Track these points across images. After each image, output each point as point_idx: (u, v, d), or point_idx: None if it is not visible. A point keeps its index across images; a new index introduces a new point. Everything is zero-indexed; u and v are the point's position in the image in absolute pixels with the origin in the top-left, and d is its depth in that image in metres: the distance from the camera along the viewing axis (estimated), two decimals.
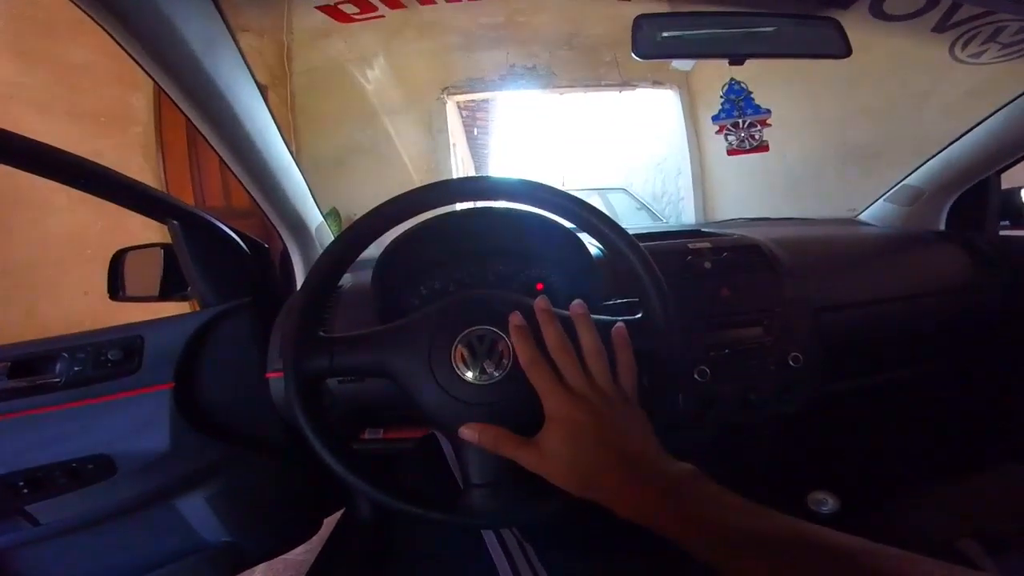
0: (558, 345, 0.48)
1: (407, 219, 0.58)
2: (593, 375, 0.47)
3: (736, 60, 0.90)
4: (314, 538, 1.06)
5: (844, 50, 0.87)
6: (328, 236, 1.03)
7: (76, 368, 0.76)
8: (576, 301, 0.51)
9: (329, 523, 1.18)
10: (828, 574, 0.33)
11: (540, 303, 0.50)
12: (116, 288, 0.88)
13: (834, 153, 2.64)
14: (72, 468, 0.75)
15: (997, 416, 1.10)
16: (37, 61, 2.39)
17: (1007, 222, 1.15)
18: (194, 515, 0.86)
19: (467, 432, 0.47)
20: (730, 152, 0.96)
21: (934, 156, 1.13)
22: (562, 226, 0.74)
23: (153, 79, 0.67)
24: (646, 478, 0.41)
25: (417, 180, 3.82)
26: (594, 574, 0.65)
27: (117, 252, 0.90)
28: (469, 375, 0.51)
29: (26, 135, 0.62)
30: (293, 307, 0.55)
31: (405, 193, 0.56)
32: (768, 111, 0.94)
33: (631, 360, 0.49)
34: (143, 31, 0.61)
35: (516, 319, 0.49)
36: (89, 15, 0.59)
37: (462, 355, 0.51)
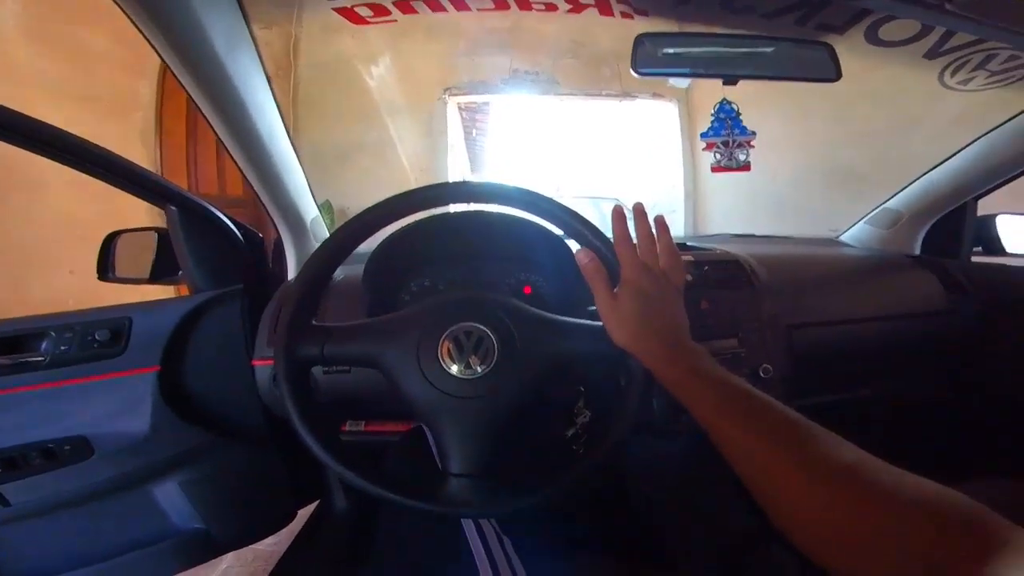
0: (646, 234, 0.56)
1: (399, 219, 0.60)
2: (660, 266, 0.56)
3: (730, 80, 0.93)
4: (285, 529, 1.06)
5: (835, 74, 0.91)
6: (322, 229, 1.04)
7: (62, 347, 0.76)
8: (658, 215, 0.59)
9: (303, 514, 1.18)
10: (793, 441, 0.40)
11: (638, 205, 0.58)
12: (106, 269, 0.89)
13: (821, 175, 2.69)
14: (48, 449, 0.75)
15: (963, 435, 1.13)
16: (52, 46, 2.40)
17: (980, 249, 1.19)
18: (167, 501, 0.86)
19: (583, 256, 0.55)
20: (714, 169, 0.99)
21: (914, 181, 1.16)
22: (554, 233, 0.76)
23: (166, 63, 0.68)
24: (679, 346, 0.51)
25: (413, 178, 3.83)
26: (571, 569, 0.67)
27: (110, 234, 0.91)
28: (454, 369, 0.53)
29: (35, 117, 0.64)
30: (288, 295, 0.57)
31: (399, 195, 0.58)
32: (754, 133, 0.97)
33: (677, 255, 0.57)
34: (164, 15, 0.63)
35: (617, 207, 0.57)
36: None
37: (449, 350, 0.53)
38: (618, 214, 0.56)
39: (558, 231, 0.72)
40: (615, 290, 0.54)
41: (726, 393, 0.47)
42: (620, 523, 1.05)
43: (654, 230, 0.57)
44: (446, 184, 0.59)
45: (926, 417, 1.18)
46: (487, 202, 0.61)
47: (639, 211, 0.58)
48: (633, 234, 0.57)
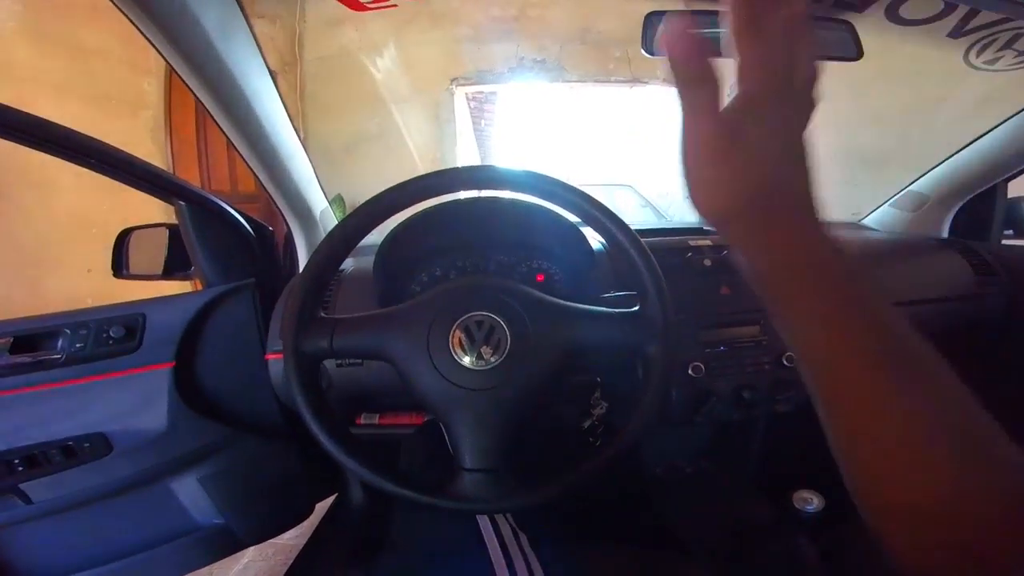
0: (776, 24, 0.29)
1: (412, 205, 0.59)
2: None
3: None
4: (305, 523, 1.07)
5: (856, 53, 0.87)
6: (332, 221, 1.03)
7: (78, 345, 0.77)
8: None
9: (320, 508, 1.19)
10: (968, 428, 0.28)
11: None
12: (120, 265, 0.89)
13: (842, 156, 2.62)
14: (68, 446, 0.76)
15: (997, 421, 1.10)
16: (55, 45, 2.41)
17: (1011, 231, 1.15)
18: (187, 496, 0.87)
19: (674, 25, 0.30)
20: None
21: (942, 163, 1.12)
22: (565, 219, 0.74)
23: (167, 61, 0.68)
24: (818, 222, 0.31)
25: (423, 169, 3.76)
26: (587, 564, 0.66)
27: (123, 231, 0.91)
28: (466, 360, 0.51)
29: (40, 116, 0.63)
30: (295, 288, 0.56)
31: (411, 179, 0.56)
32: None
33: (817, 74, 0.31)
34: (160, 13, 0.62)
35: None
36: None
37: (460, 340, 0.52)
38: None
39: (570, 217, 0.70)
40: (726, 112, 0.29)
41: (883, 327, 0.29)
42: (636, 515, 1.04)
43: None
44: (454, 170, 0.57)
45: None
46: (495, 188, 0.59)
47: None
48: None
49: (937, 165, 1.13)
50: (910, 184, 1.19)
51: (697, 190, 0.31)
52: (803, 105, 0.30)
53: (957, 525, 0.27)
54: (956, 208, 1.15)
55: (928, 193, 1.15)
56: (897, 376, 0.28)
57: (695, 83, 0.30)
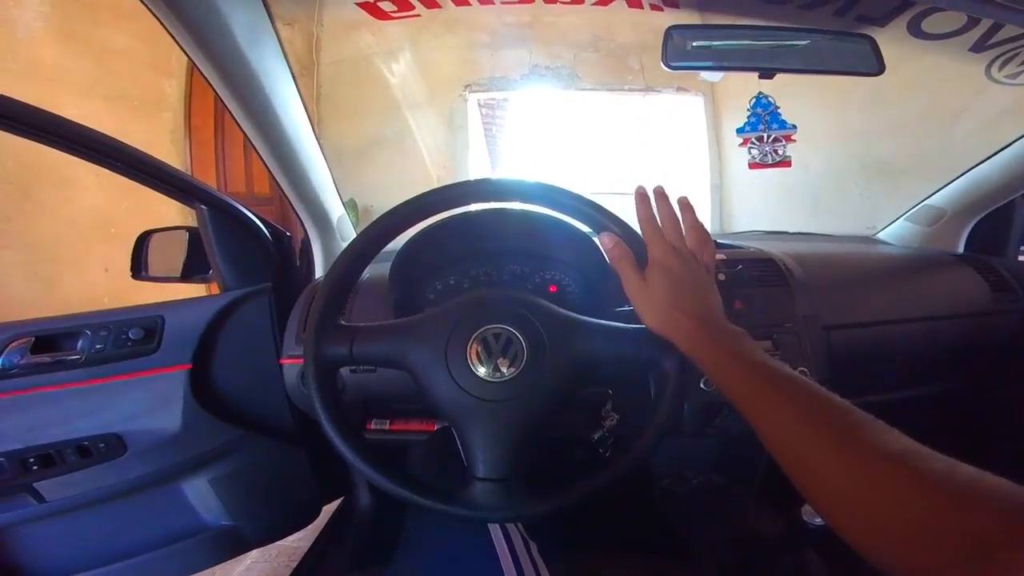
0: (669, 214, 0.56)
1: (429, 216, 0.60)
2: (688, 247, 0.55)
3: (766, 74, 0.90)
4: (310, 526, 1.07)
5: (877, 68, 0.87)
6: (348, 227, 1.05)
7: (98, 346, 0.78)
8: (681, 196, 0.58)
9: (326, 511, 1.19)
10: (840, 426, 0.39)
11: (659, 188, 0.57)
12: (139, 267, 0.91)
13: (858, 169, 2.60)
14: (83, 446, 0.77)
15: (1003, 440, 1.08)
16: (80, 45, 2.47)
17: None
18: (197, 497, 0.88)
19: (607, 239, 0.55)
20: (751, 166, 0.96)
21: (959, 177, 1.11)
22: (579, 230, 0.74)
23: (194, 63, 0.70)
24: (714, 326, 0.50)
25: (435, 175, 3.84)
26: (595, 573, 0.66)
27: (142, 233, 0.92)
28: (482, 371, 0.52)
29: (63, 116, 0.65)
30: (316, 295, 0.57)
31: (426, 192, 0.57)
32: (794, 127, 0.94)
33: (704, 233, 0.56)
34: (189, 16, 0.63)
35: (640, 188, 0.56)
36: None
37: (477, 352, 0.53)
38: (640, 196, 0.55)
39: (583, 228, 0.70)
40: (643, 272, 0.53)
41: (767, 375, 0.45)
42: (645, 526, 1.04)
43: (678, 212, 0.56)
44: (475, 181, 0.58)
45: (971, 422, 1.13)
46: (508, 199, 0.59)
47: (660, 193, 0.56)
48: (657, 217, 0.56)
49: (955, 179, 1.12)
50: (927, 198, 1.17)
51: (637, 312, 0.53)
52: (692, 262, 0.53)
53: (875, 517, 0.34)
54: (973, 223, 1.14)
55: (945, 207, 1.14)
56: (788, 410, 0.42)
57: (619, 261, 0.54)
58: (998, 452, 1.08)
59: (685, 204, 0.57)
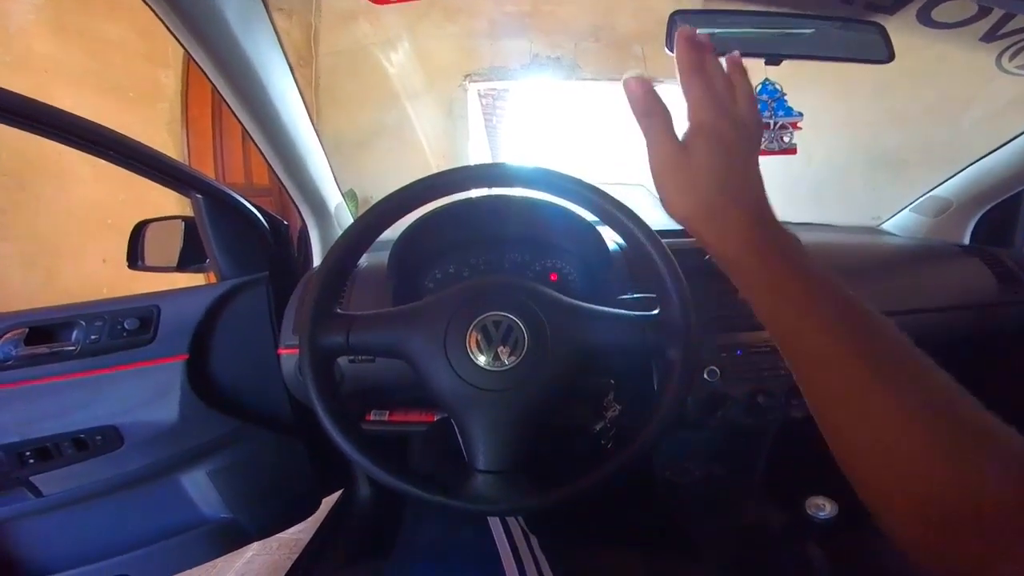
0: (715, 67, 0.40)
1: (427, 203, 0.58)
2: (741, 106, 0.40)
3: (772, 60, 0.88)
4: (310, 518, 1.07)
5: (887, 55, 0.85)
6: (347, 216, 1.03)
7: (93, 336, 0.77)
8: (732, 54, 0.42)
9: (326, 503, 1.19)
10: (911, 375, 0.31)
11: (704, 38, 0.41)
12: (136, 257, 0.90)
13: (863, 159, 2.57)
14: (80, 439, 0.76)
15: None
16: (74, 37, 2.44)
17: None
18: (196, 490, 0.87)
19: (634, 84, 0.39)
20: None
21: (966, 168, 1.10)
22: (582, 218, 0.73)
23: (189, 54, 0.69)
24: (769, 222, 0.37)
25: (435, 164, 3.82)
26: (598, 568, 0.65)
27: (138, 223, 0.91)
28: (482, 360, 0.51)
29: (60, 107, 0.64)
30: (311, 283, 0.55)
31: (431, 176, 0.56)
32: (800, 114, 0.92)
33: (757, 106, 0.42)
34: (184, 5, 0.62)
35: (685, 31, 0.40)
36: None
37: (476, 340, 0.51)
38: (686, 38, 0.39)
39: (585, 216, 0.69)
40: (681, 140, 0.39)
41: (830, 296, 0.34)
42: (647, 518, 1.03)
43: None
44: (473, 167, 0.56)
45: None
46: (512, 185, 0.58)
47: (707, 45, 0.40)
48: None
49: (961, 170, 1.10)
50: (932, 189, 1.16)
51: (664, 198, 0.40)
52: (745, 131, 0.39)
53: (921, 479, 0.28)
54: (979, 214, 1.13)
55: (951, 198, 1.13)
56: (851, 345, 0.32)
57: (649, 116, 0.39)
58: None
59: (737, 64, 0.41)
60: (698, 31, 0.89)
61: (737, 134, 0.38)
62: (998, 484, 0.27)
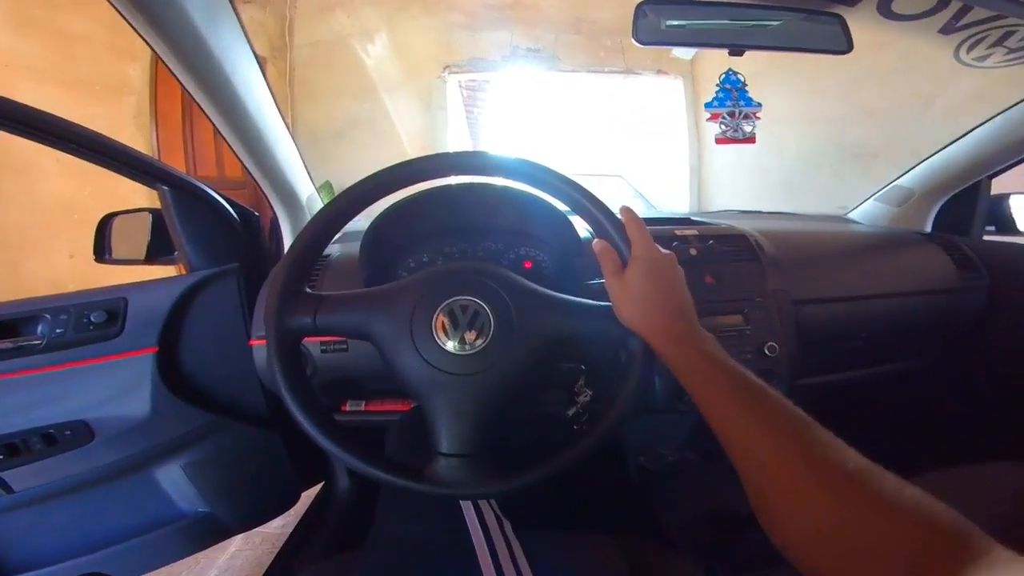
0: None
1: (400, 189, 0.58)
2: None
3: (736, 52, 0.90)
4: (292, 512, 1.06)
5: (846, 46, 0.88)
6: (319, 206, 1.02)
7: (58, 330, 0.75)
8: (623, 206, 0.58)
9: (307, 496, 1.18)
10: (803, 439, 0.40)
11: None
12: (103, 250, 0.88)
13: (832, 152, 2.63)
14: (48, 434, 0.75)
15: (972, 415, 1.12)
16: (35, 30, 2.37)
17: (993, 228, 1.16)
18: (171, 484, 0.86)
19: (595, 244, 0.56)
20: (719, 140, 0.96)
21: (927, 158, 1.13)
22: (554, 208, 0.74)
23: (150, 46, 0.67)
24: (688, 325, 0.51)
25: (414, 156, 3.78)
26: (571, 552, 0.66)
27: (105, 216, 0.90)
28: (449, 344, 0.51)
29: (20, 101, 0.62)
30: (280, 265, 0.55)
31: (400, 163, 0.56)
32: (759, 105, 0.94)
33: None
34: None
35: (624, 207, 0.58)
36: None
37: (443, 324, 0.51)
38: (626, 209, 0.57)
39: (559, 206, 0.70)
40: (625, 269, 0.54)
41: (735, 380, 0.45)
42: (620, 503, 1.05)
43: None
44: (444, 155, 0.56)
45: (933, 396, 1.16)
46: (485, 174, 0.58)
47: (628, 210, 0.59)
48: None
49: (923, 160, 1.14)
50: (896, 179, 1.20)
51: (616, 311, 0.53)
52: (674, 268, 0.55)
53: (825, 534, 0.36)
54: (940, 203, 1.17)
55: (913, 188, 1.17)
56: (753, 417, 0.43)
57: (607, 260, 0.55)
58: (960, 429, 1.13)
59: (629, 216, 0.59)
60: (665, 22, 0.90)
61: (667, 264, 0.54)
62: (871, 520, 0.34)
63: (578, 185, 0.56)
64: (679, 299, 0.53)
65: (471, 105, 5.10)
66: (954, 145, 1.07)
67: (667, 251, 0.55)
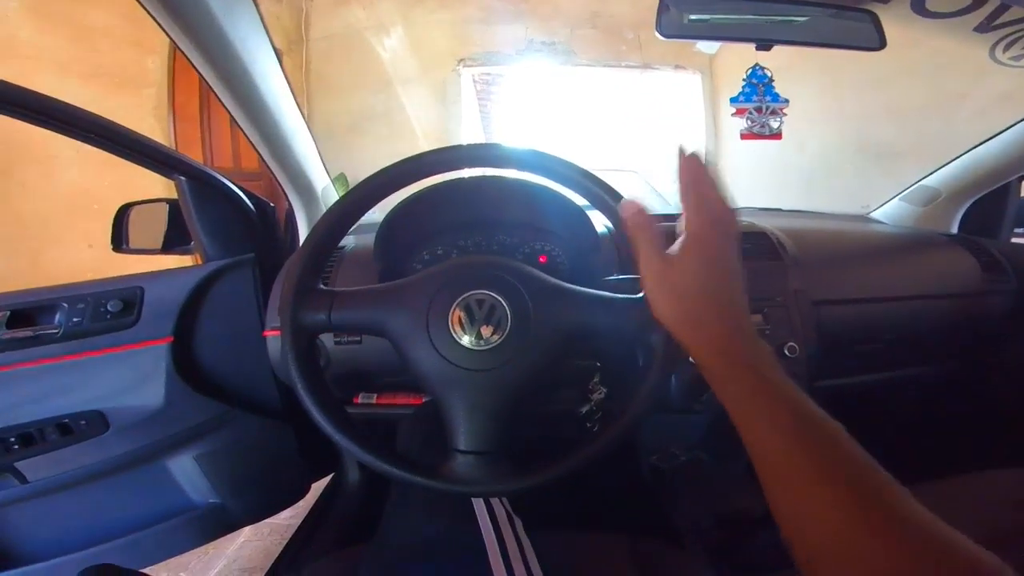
0: (709, 181, 0.43)
1: (413, 182, 0.57)
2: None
3: (763, 46, 0.88)
4: (301, 503, 1.06)
5: (879, 43, 0.85)
6: (334, 198, 1.02)
7: (75, 319, 0.75)
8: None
9: (317, 488, 1.19)
10: (874, 496, 0.32)
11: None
12: (120, 240, 0.89)
13: (854, 150, 2.58)
14: (64, 424, 0.75)
15: (994, 421, 1.09)
16: (58, 23, 2.41)
17: (1022, 230, 1.13)
18: (183, 475, 0.86)
19: (629, 206, 0.46)
20: (744, 136, 0.94)
21: (956, 158, 1.10)
22: (570, 201, 0.73)
23: (170, 37, 0.67)
24: (746, 338, 0.39)
25: (427, 149, 3.79)
26: (581, 551, 0.66)
27: (122, 206, 0.90)
28: (465, 340, 0.50)
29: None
30: (294, 260, 0.54)
31: (414, 156, 0.55)
32: (787, 101, 0.92)
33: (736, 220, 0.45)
34: None
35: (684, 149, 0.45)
36: None
37: (459, 319, 0.50)
38: (686, 159, 0.43)
39: (577, 200, 0.69)
40: (669, 250, 0.42)
41: (799, 418, 0.36)
42: (633, 502, 1.04)
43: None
44: (458, 147, 0.55)
45: (955, 401, 1.14)
46: (499, 166, 0.57)
47: (703, 164, 0.44)
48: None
49: (951, 161, 1.11)
50: (922, 179, 1.17)
51: (654, 306, 0.43)
52: (729, 240, 0.42)
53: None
54: (967, 205, 1.13)
55: (940, 188, 1.13)
56: (819, 465, 0.34)
57: (641, 231, 0.44)
58: (984, 436, 1.10)
59: (718, 177, 0.44)
60: (689, 16, 0.88)
61: (724, 244, 0.41)
62: None
63: (592, 175, 0.54)
64: (736, 301, 0.40)
65: (485, 98, 5.08)
66: (984, 145, 1.04)
67: (730, 228, 0.42)
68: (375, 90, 3.68)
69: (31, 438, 0.74)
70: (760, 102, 0.90)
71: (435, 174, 0.57)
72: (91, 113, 0.68)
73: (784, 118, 0.91)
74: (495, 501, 0.66)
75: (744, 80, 0.92)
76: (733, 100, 0.94)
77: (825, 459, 0.34)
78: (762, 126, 0.90)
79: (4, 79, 0.60)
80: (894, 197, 1.23)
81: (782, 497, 0.35)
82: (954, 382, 1.10)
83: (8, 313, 0.75)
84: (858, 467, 0.33)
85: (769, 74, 0.92)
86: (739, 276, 0.41)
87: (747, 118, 0.93)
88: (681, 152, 0.44)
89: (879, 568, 0.30)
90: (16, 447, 0.74)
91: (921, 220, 1.16)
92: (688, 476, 1.16)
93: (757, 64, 0.91)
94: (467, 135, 4.13)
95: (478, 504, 0.65)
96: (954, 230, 1.14)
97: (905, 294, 0.92)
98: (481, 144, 0.57)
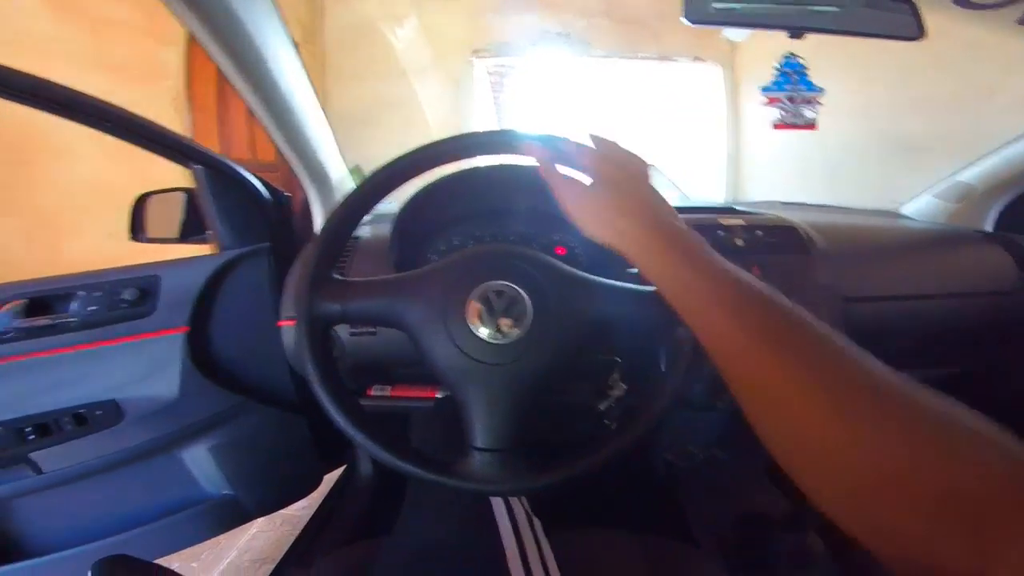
0: (594, 137, 0.53)
1: (428, 170, 0.56)
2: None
3: (795, 34, 0.85)
4: (313, 494, 1.06)
5: (917, 32, 0.82)
6: (350, 188, 1.01)
7: (91, 308, 0.75)
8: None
9: (329, 480, 1.18)
10: (827, 358, 0.33)
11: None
12: (138, 229, 0.89)
13: (881, 143, 2.51)
14: (79, 414, 0.75)
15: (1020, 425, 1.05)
16: (75, 15, 2.42)
17: None
18: (197, 466, 0.86)
19: (534, 147, 0.52)
20: (777, 126, 0.91)
21: (993, 152, 1.06)
22: None
23: (187, 28, 0.66)
24: (672, 228, 0.44)
25: None
26: (599, 552, 0.64)
27: (140, 195, 0.90)
28: (484, 332, 0.48)
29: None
30: (309, 250, 0.53)
31: (429, 143, 0.53)
32: (822, 90, 0.89)
33: (631, 152, 0.53)
34: None
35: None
36: None
37: (478, 311, 0.49)
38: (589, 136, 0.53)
39: None
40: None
41: (739, 291, 0.37)
42: (650, 501, 1.03)
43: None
44: (473, 134, 0.54)
45: (985, 401, 1.10)
46: (514, 153, 0.55)
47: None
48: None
49: (987, 155, 1.06)
50: (955, 174, 1.12)
51: (582, 228, 0.49)
52: (630, 169, 0.49)
53: (855, 471, 0.29)
54: (1004, 202, 1.09)
55: (975, 184, 1.09)
56: (761, 334, 0.35)
57: (556, 177, 0.51)
58: (1017, 437, 1.06)
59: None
60: (717, 4, 0.85)
61: (621, 171, 0.48)
62: (900, 445, 0.27)
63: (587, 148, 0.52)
64: (648, 200, 0.47)
65: (499, 90, 5.05)
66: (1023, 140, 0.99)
67: (619, 156, 0.50)
68: (390, 81, 3.68)
69: (47, 428, 0.74)
70: (794, 91, 0.87)
71: (450, 161, 0.56)
72: (110, 103, 0.68)
73: (819, 107, 0.88)
74: (514, 501, 0.64)
75: (776, 68, 0.89)
76: (765, 89, 0.91)
77: (770, 331, 0.35)
78: (796, 116, 0.87)
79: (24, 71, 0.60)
80: (924, 192, 1.19)
81: (736, 382, 0.36)
82: (987, 382, 1.06)
83: (26, 302, 0.75)
84: (809, 333, 0.34)
85: (802, 63, 0.89)
86: (644, 186, 0.48)
87: (780, 107, 0.90)
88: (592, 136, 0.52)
89: (839, 437, 0.29)
90: (32, 437, 0.74)
91: (954, 217, 1.12)
92: (705, 475, 1.14)
93: (790, 53, 0.88)
94: (480, 127, 4.11)
95: (497, 504, 0.64)
96: (989, 228, 1.10)
97: (938, 292, 0.89)
98: (495, 131, 0.55)
